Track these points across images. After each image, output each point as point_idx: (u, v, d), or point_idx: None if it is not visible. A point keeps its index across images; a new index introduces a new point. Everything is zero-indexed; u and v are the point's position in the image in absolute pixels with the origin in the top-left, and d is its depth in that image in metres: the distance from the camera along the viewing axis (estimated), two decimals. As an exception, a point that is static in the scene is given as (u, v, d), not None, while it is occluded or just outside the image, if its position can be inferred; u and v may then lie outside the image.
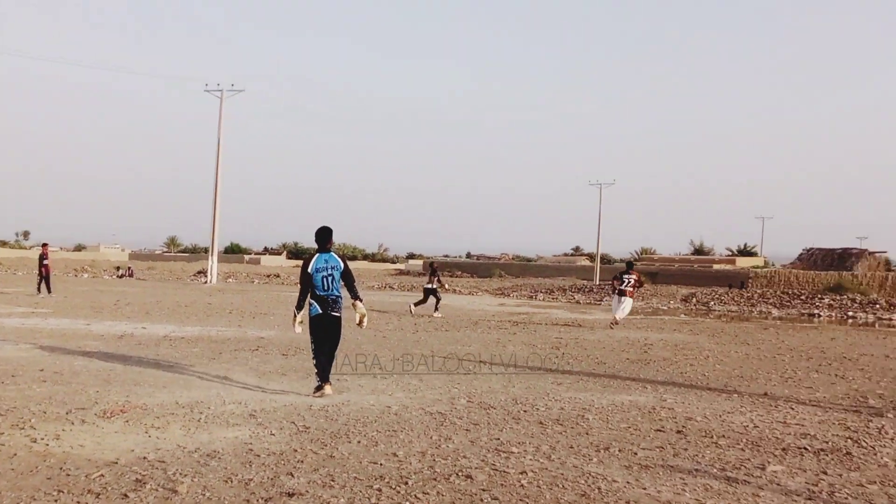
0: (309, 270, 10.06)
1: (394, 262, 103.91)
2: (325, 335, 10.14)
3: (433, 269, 27.86)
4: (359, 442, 7.47)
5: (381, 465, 6.65)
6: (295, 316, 10.44)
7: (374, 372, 12.28)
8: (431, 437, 7.75)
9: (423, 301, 26.76)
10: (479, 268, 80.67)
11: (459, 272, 78.49)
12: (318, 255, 10.22)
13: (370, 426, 8.18)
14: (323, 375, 10.11)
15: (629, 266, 24.05)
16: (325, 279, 10.04)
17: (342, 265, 10.18)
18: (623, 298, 23.12)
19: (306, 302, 10.19)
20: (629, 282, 23.16)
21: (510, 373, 12.72)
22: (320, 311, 10.06)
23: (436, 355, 14.73)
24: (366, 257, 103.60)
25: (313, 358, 10.20)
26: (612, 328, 22.36)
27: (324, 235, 10.28)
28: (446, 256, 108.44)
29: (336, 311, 10.13)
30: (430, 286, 26.82)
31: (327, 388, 10.02)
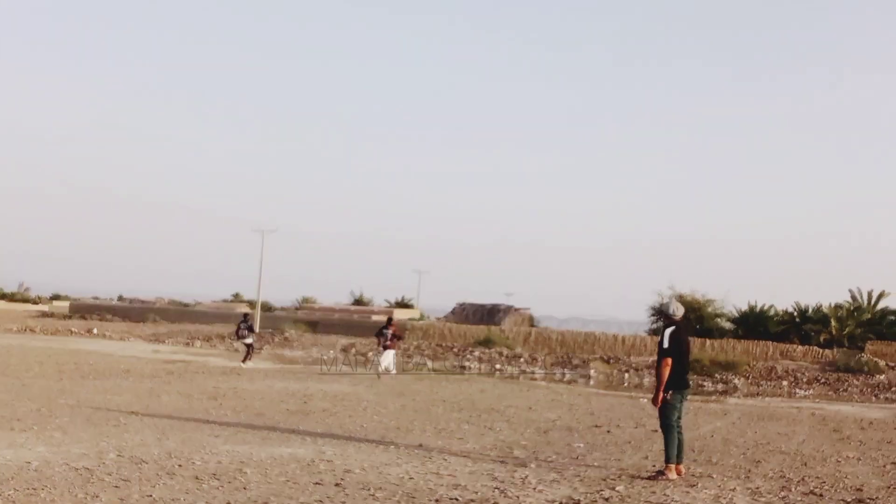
0: None
1: (36, 303, 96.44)
2: None
3: (247, 319, 28.89)
4: (-9, 503, 6.77)
5: (16, 529, 6.07)
6: None
7: (12, 424, 11.28)
8: (77, 496, 7.24)
9: (251, 353, 28.00)
10: (131, 312, 76.84)
11: (110, 316, 74.38)
12: None
13: (6, 484, 7.49)
14: None
15: (388, 321, 26.07)
16: None
17: None
18: (386, 352, 24.86)
19: None
20: (387, 336, 24.85)
21: (164, 425, 12.19)
22: None
23: (83, 406, 13.86)
24: (3, 297, 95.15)
25: None
26: (379, 377, 23.85)
27: None
28: (96, 298, 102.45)
29: None
30: (249, 341, 27.79)
31: None
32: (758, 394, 32.24)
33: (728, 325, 54.71)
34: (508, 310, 69.85)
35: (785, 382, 37.59)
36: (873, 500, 8.95)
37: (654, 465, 10.53)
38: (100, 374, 20.26)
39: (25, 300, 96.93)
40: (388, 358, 24.96)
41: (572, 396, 22.37)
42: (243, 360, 27.23)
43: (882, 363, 40.06)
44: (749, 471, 10.62)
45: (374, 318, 66.96)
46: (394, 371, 25.32)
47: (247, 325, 28.15)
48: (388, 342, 24.84)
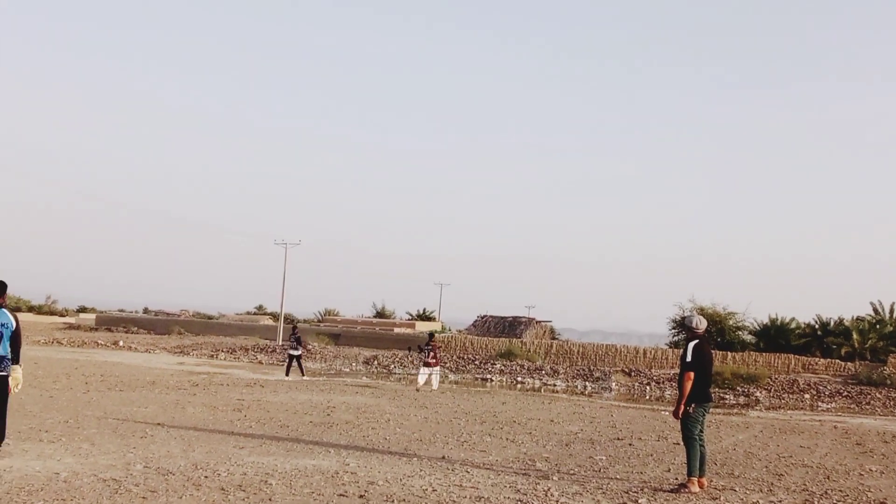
0: None
1: (63, 316, 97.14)
2: None
3: (297, 334, 29.39)
4: (22, 513, 6.89)
5: (47, 538, 6.18)
6: None
7: (40, 436, 11.42)
8: (105, 507, 7.32)
9: (290, 367, 28.48)
10: (157, 324, 77.39)
11: (136, 328, 74.93)
12: None
13: (35, 495, 7.60)
14: None
15: (430, 336, 26.82)
16: None
17: (14, 324, 9.47)
18: (430, 368, 25.74)
19: None
20: (429, 352, 25.65)
21: (190, 436, 12.30)
22: None
23: (109, 417, 13.97)
24: (31, 309, 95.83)
25: None
26: (417, 391, 24.58)
27: None
28: (122, 311, 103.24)
29: (1, 371, 9.39)
30: (295, 353, 28.42)
31: None
32: (780, 407, 32.05)
33: (749, 338, 54.26)
34: (530, 322, 69.57)
35: (807, 395, 37.31)
36: (896, 513, 8.94)
37: (676, 478, 10.55)
38: (126, 386, 20.40)
39: (52, 313, 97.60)
40: (435, 375, 25.87)
41: (594, 409, 22.33)
42: (302, 373, 28.29)
43: (904, 376, 39.67)
44: (772, 484, 10.62)
45: (397, 330, 67.09)
46: (435, 387, 25.90)
47: (295, 337, 29.00)
48: (429, 360, 25.58)
